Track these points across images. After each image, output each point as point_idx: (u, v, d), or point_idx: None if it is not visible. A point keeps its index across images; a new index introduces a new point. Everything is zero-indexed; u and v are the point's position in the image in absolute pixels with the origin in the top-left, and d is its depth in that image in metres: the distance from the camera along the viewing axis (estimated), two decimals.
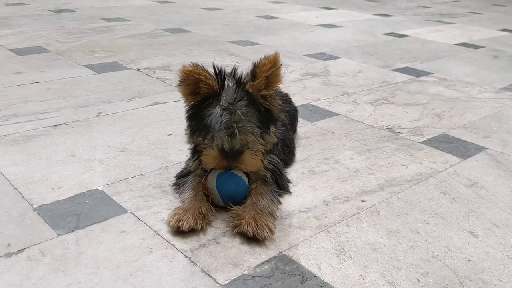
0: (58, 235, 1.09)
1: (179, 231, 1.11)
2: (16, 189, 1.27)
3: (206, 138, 1.13)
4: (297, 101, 1.90)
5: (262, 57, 1.11)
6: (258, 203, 1.15)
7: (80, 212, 1.18)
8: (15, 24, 3.26)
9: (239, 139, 1.12)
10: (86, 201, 1.23)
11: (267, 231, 1.09)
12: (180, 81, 1.12)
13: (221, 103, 1.11)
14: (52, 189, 1.28)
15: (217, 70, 1.14)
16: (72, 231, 1.11)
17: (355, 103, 2.06)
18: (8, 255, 1.02)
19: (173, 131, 1.68)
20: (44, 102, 1.88)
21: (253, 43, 3.08)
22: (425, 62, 2.82)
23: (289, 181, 1.33)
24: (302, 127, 1.76)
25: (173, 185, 1.30)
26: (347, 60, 2.78)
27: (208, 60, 2.60)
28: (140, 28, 3.33)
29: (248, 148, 1.16)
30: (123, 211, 1.20)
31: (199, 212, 1.14)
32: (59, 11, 3.81)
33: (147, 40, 2.99)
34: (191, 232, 1.12)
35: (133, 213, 1.19)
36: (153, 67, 2.42)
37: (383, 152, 1.60)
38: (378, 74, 2.52)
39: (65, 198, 1.24)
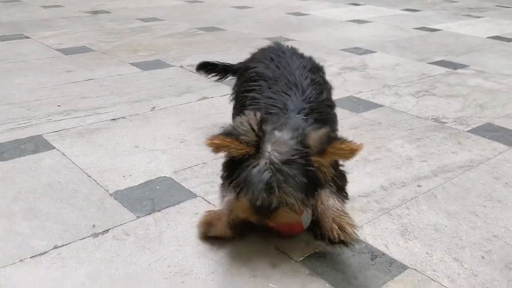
0: (138, 217, 1.17)
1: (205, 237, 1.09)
2: (90, 176, 1.36)
3: (241, 191, 0.97)
4: (339, 93, 1.97)
5: (342, 139, 0.97)
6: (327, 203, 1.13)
7: (153, 197, 1.26)
8: (56, 25, 3.38)
9: (277, 197, 0.96)
10: (157, 187, 1.31)
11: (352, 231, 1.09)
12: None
13: (266, 156, 0.96)
14: (124, 176, 1.36)
15: (255, 128, 0.98)
16: (150, 213, 1.19)
17: (397, 95, 2.10)
18: (95, 235, 1.11)
19: (226, 124, 1.74)
20: (99, 98, 1.97)
21: (287, 39, 3.13)
22: (460, 56, 2.84)
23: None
24: (349, 118, 1.82)
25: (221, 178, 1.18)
26: (383, 54, 2.82)
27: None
28: (176, 27, 3.42)
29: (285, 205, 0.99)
30: (193, 195, 1.27)
31: (232, 219, 1.08)
32: (95, 12, 3.93)
33: (185, 39, 3.07)
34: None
35: (203, 197, 1.26)
36: (195, 64, 2.48)
37: (432, 140, 1.64)
38: (415, 67, 2.56)
39: (137, 184, 1.32)
